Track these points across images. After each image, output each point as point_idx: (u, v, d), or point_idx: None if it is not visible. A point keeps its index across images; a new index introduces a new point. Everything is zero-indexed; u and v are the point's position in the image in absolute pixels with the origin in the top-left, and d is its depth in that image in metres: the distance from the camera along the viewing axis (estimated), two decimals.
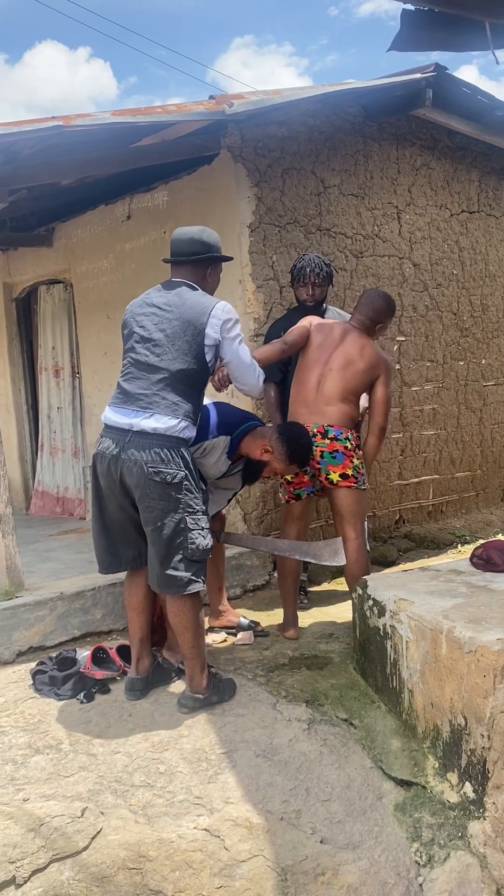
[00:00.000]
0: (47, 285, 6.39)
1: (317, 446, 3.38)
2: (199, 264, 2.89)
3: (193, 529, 2.71)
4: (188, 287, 2.86)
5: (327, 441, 3.39)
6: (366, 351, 3.49)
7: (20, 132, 3.03)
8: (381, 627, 2.92)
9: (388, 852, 2.29)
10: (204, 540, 2.75)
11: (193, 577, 2.73)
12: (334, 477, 3.42)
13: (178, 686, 2.98)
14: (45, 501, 6.53)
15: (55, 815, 2.24)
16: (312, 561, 3.50)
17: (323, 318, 4.07)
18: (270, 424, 3.61)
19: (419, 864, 2.28)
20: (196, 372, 2.78)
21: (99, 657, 3.11)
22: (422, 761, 2.61)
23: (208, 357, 2.80)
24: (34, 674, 3.04)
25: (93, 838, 2.20)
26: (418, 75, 4.53)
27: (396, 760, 2.65)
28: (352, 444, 3.44)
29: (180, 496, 2.69)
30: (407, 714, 2.76)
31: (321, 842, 2.27)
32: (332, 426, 3.42)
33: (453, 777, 2.47)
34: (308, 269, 3.90)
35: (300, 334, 3.54)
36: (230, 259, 3.11)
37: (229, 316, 2.80)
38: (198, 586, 2.76)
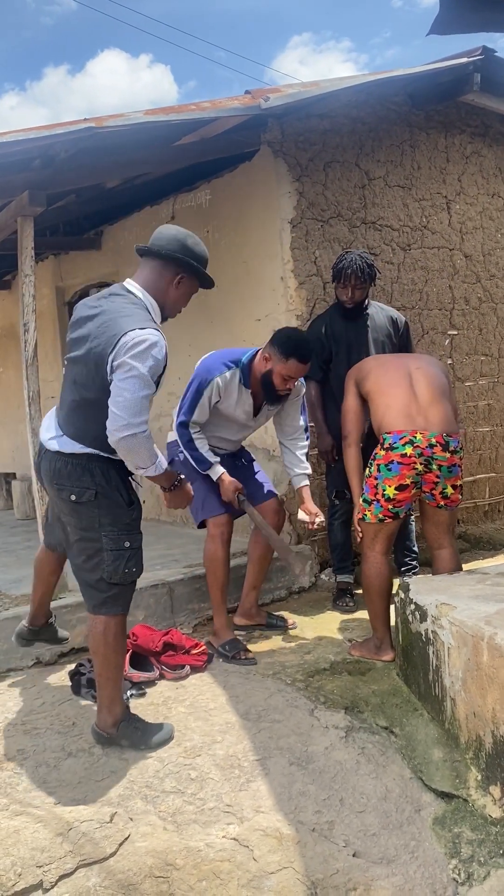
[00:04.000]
0: (97, 288, 6.45)
1: (437, 459, 3.11)
2: (169, 265, 2.47)
3: (111, 550, 2.43)
4: (124, 296, 2.44)
5: (448, 454, 3.11)
6: (427, 357, 3.39)
7: (52, 135, 3.04)
8: (423, 633, 2.82)
9: (425, 868, 2.19)
10: (125, 563, 2.44)
11: (110, 600, 2.46)
12: (449, 491, 3.18)
13: (214, 690, 2.95)
14: None
15: (84, 820, 2.22)
16: (286, 565, 3.50)
17: (365, 314, 3.97)
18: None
19: (457, 881, 2.17)
20: (106, 404, 2.34)
21: (137, 659, 3.09)
22: (464, 773, 2.50)
23: None
24: (72, 675, 3.05)
25: (120, 844, 2.17)
26: (465, 59, 4.38)
27: (438, 771, 2.54)
28: (462, 452, 3.24)
29: (92, 514, 2.43)
30: (449, 723, 2.65)
31: (354, 855, 2.19)
32: (451, 436, 3.14)
33: (496, 791, 2.36)
34: (349, 272, 3.75)
35: (357, 416, 3.42)
36: (206, 281, 2.59)
37: (133, 351, 2.25)
38: (112, 610, 2.47)
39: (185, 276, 2.50)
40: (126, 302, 2.42)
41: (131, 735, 2.54)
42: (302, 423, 3.60)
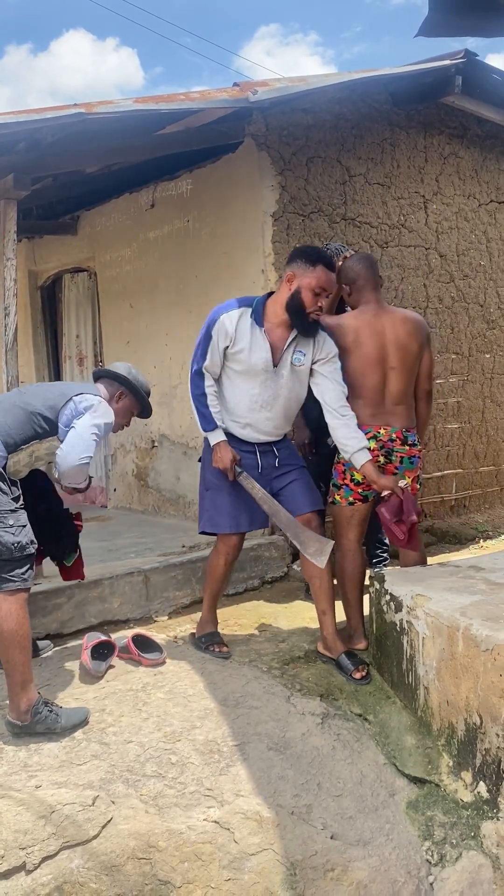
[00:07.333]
0: (72, 273, 6.40)
1: (397, 451, 3.24)
2: (114, 383, 3.06)
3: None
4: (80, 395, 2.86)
5: (407, 447, 3.26)
6: (408, 325, 3.29)
7: (42, 119, 3.02)
8: (398, 623, 2.89)
9: (399, 850, 2.27)
10: (13, 536, 2.58)
11: (7, 577, 2.57)
12: (408, 481, 3.27)
13: (192, 677, 2.98)
14: None
15: (66, 803, 2.25)
16: (297, 546, 3.18)
17: (345, 307, 4.03)
18: None
19: (430, 862, 2.25)
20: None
21: (106, 647, 3.12)
22: (436, 759, 2.58)
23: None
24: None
25: (103, 827, 2.21)
26: (447, 62, 4.44)
27: (410, 757, 2.62)
28: (420, 445, 3.37)
29: None
30: (422, 711, 2.73)
31: (331, 837, 2.26)
32: (409, 430, 3.29)
33: (467, 776, 2.44)
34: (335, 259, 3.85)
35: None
36: (144, 409, 3.16)
37: (90, 403, 2.83)
38: (12, 585, 2.57)
39: (125, 392, 3.08)
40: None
41: (52, 721, 2.57)
42: (345, 390, 3.18)
